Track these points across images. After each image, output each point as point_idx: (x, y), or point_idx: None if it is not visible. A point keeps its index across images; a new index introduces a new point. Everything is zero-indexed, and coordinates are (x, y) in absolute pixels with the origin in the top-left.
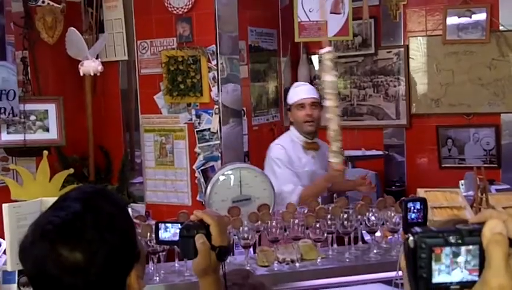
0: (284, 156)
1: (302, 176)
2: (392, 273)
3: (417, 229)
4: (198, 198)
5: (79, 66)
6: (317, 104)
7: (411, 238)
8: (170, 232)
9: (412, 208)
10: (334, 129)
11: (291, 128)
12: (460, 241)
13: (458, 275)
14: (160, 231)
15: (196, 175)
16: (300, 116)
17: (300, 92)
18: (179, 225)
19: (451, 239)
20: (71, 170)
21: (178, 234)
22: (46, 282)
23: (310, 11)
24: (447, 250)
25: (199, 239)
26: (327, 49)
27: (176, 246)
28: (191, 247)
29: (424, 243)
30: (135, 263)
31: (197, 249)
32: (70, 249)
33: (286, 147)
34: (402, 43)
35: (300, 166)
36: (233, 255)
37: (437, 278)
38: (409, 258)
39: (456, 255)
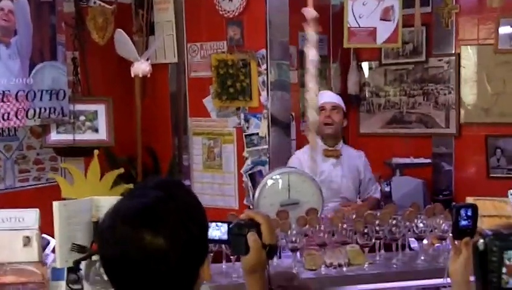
0: (298, 166)
1: None
2: (439, 280)
3: (488, 232)
4: (245, 202)
5: (131, 67)
6: (339, 109)
7: (481, 240)
8: (220, 231)
9: (464, 214)
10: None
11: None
12: None
13: None
14: (209, 230)
15: (243, 179)
16: (320, 118)
17: (322, 96)
18: (227, 224)
19: None
20: (121, 170)
21: (227, 233)
22: (127, 266)
23: (360, 17)
24: None
25: (251, 237)
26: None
27: (223, 246)
28: (243, 244)
29: (495, 246)
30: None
31: (248, 247)
32: (153, 233)
33: (301, 157)
34: (453, 52)
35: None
36: (280, 258)
37: (508, 284)
38: (478, 262)
39: None
